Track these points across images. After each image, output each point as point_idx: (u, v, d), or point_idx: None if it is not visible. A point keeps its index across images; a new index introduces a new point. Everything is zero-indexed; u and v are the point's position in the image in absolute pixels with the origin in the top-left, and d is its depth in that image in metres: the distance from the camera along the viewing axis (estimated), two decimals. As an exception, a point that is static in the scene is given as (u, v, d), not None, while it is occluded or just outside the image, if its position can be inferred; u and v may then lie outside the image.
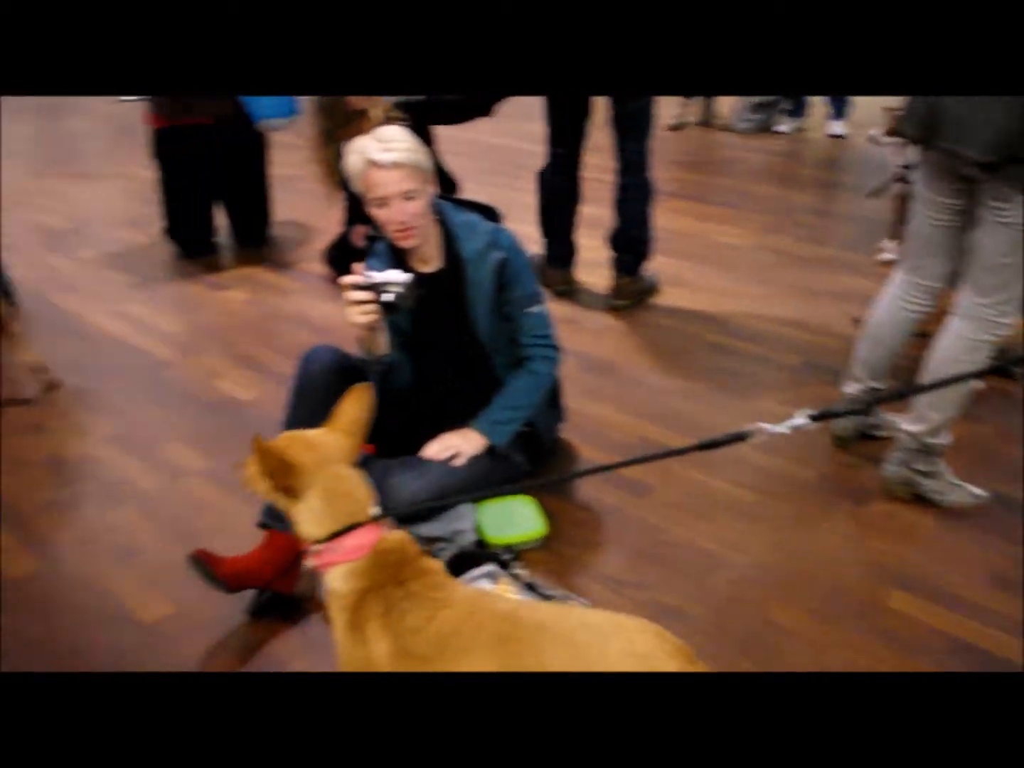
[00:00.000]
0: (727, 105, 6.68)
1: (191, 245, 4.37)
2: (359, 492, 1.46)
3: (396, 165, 2.11)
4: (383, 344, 2.19)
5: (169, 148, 4.16)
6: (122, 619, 2.08)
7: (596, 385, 3.01)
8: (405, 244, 2.22)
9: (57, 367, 3.24)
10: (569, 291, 3.73)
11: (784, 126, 6.45)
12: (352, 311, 2.06)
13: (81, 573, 2.25)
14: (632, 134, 3.35)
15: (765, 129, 6.46)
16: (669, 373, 3.07)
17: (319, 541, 1.45)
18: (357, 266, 2.08)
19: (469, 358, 2.39)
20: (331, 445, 1.49)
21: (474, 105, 3.49)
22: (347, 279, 2.06)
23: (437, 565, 1.46)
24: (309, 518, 1.45)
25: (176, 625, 2.05)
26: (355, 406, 1.55)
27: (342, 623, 1.42)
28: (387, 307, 2.05)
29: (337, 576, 1.42)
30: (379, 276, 2.04)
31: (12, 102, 8.11)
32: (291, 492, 1.45)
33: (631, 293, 3.59)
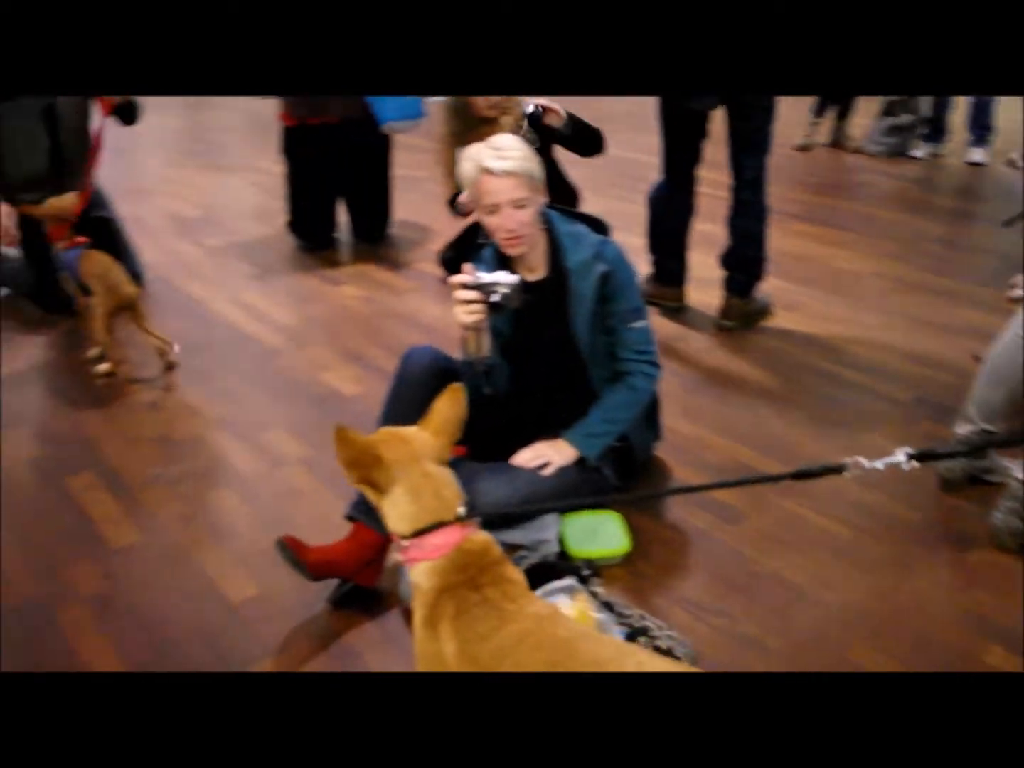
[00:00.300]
0: (861, 127, 6.49)
1: (312, 240, 4.51)
2: (447, 491, 1.47)
3: (509, 173, 2.13)
4: (485, 346, 2.21)
5: (298, 145, 4.30)
6: (210, 596, 2.16)
7: (696, 405, 2.97)
8: (512, 252, 2.24)
9: (178, 348, 3.39)
10: (679, 309, 3.69)
11: (920, 151, 6.22)
12: (459, 309, 2.10)
13: (177, 548, 2.34)
14: (749, 151, 3.28)
15: (900, 153, 6.23)
16: (773, 398, 3.00)
17: (405, 537, 1.47)
18: (467, 266, 2.12)
19: (567, 368, 2.38)
20: (422, 443, 1.51)
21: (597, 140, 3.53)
22: (456, 278, 2.09)
23: (518, 576, 1.46)
24: (395, 513, 1.47)
25: (259, 607, 2.12)
26: (449, 406, 1.56)
27: (420, 618, 1.44)
28: (493, 307, 2.08)
29: (419, 572, 1.44)
30: (487, 276, 2.08)
31: (163, 97, 8.50)
32: (375, 485, 1.47)
33: (742, 315, 3.52)
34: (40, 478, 2.67)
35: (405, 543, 1.47)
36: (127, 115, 3.71)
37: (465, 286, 2.07)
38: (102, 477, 2.65)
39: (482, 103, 3.49)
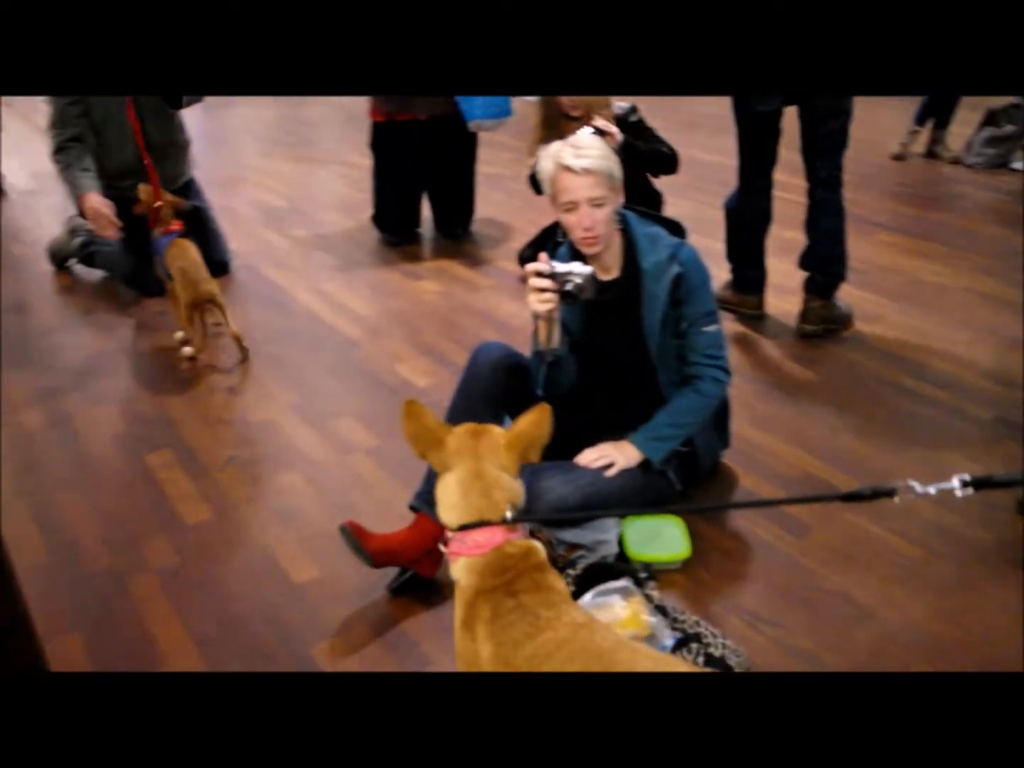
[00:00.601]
0: (960, 137, 6.29)
1: (395, 233, 4.57)
2: (497, 494, 1.49)
3: (588, 171, 2.15)
4: (556, 337, 2.22)
5: (385, 141, 4.37)
6: (274, 575, 2.22)
7: (768, 413, 2.93)
8: (588, 250, 2.24)
9: (259, 335, 3.49)
10: (758, 317, 3.64)
11: (1022, 163, 6.00)
12: (532, 297, 2.12)
13: (246, 527, 2.41)
14: (824, 152, 3.23)
15: (1000, 165, 6.02)
16: (848, 410, 2.94)
17: (451, 528, 1.49)
18: (542, 255, 2.14)
19: (635, 370, 2.38)
20: (492, 446, 1.52)
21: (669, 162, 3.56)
22: (531, 266, 2.11)
23: (559, 583, 1.45)
24: (445, 501, 1.51)
25: (321, 589, 2.17)
26: (532, 425, 1.52)
27: (459, 618, 1.46)
28: (565, 297, 2.10)
29: (459, 568, 1.46)
30: (562, 266, 2.10)
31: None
32: (434, 465, 1.51)
33: (822, 318, 3.45)
34: (122, 454, 2.77)
35: (450, 534, 1.49)
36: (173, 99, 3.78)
37: (540, 274, 2.09)
38: (180, 456, 2.74)
39: (566, 101, 3.52)
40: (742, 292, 3.63)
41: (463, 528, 1.47)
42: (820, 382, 3.14)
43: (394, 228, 4.58)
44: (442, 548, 1.54)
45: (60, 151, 3.70)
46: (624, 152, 3.22)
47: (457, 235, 4.61)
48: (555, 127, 3.52)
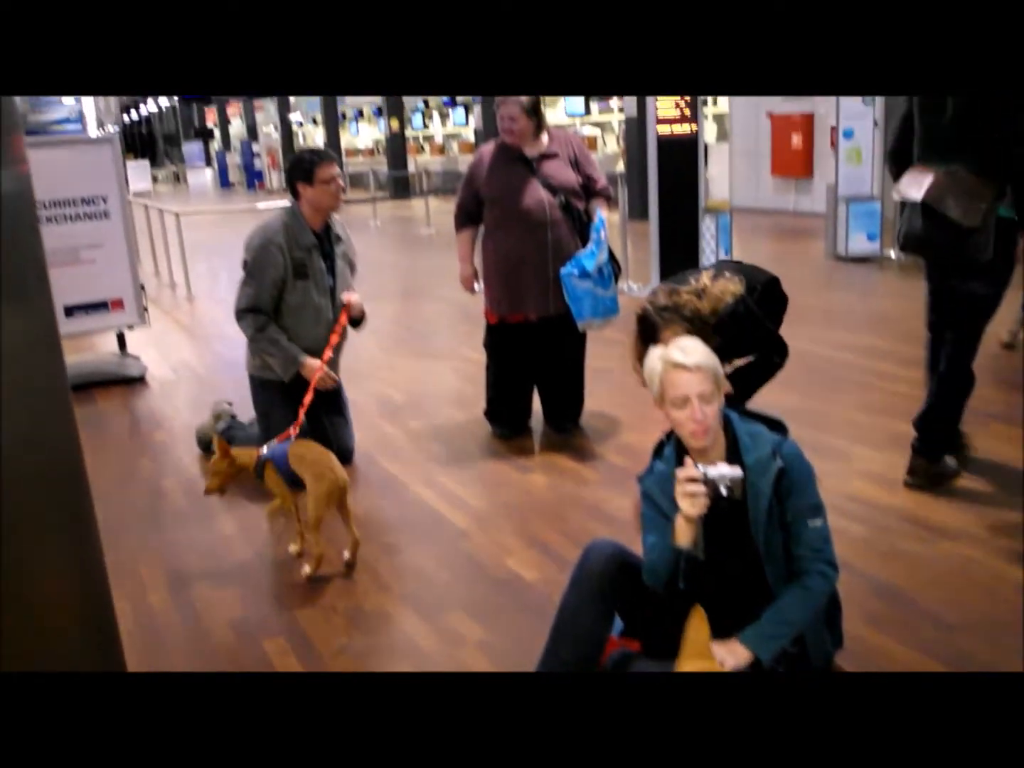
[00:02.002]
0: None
1: (507, 427, 4.72)
2: None
3: (698, 367, 2.26)
4: (699, 537, 2.27)
5: (499, 341, 4.60)
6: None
7: (881, 612, 2.85)
8: (696, 444, 2.31)
9: (373, 523, 3.61)
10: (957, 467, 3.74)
11: None
12: (685, 502, 2.19)
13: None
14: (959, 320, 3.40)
15: (1121, 358, 5.89)
16: (967, 609, 2.83)
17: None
18: (688, 460, 2.24)
19: (743, 565, 2.38)
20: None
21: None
22: (682, 472, 2.20)
23: None
24: None
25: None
26: (697, 630, 1.55)
27: None
28: (720, 499, 2.18)
29: None
30: (712, 470, 2.19)
31: (384, 287, 9.33)
32: None
33: (927, 475, 3.52)
34: (239, 638, 2.87)
35: None
36: (356, 323, 4.30)
37: (692, 479, 2.18)
38: (295, 642, 2.82)
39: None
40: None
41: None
42: (934, 579, 3.05)
43: (505, 423, 4.74)
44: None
45: (263, 330, 4.05)
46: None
47: (567, 429, 4.73)
48: (652, 338, 3.62)
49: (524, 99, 4.14)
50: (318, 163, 4.02)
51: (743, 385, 3.72)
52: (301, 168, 4.04)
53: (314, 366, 3.99)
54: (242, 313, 4.08)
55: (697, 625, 1.55)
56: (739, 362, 3.40)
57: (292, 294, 4.07)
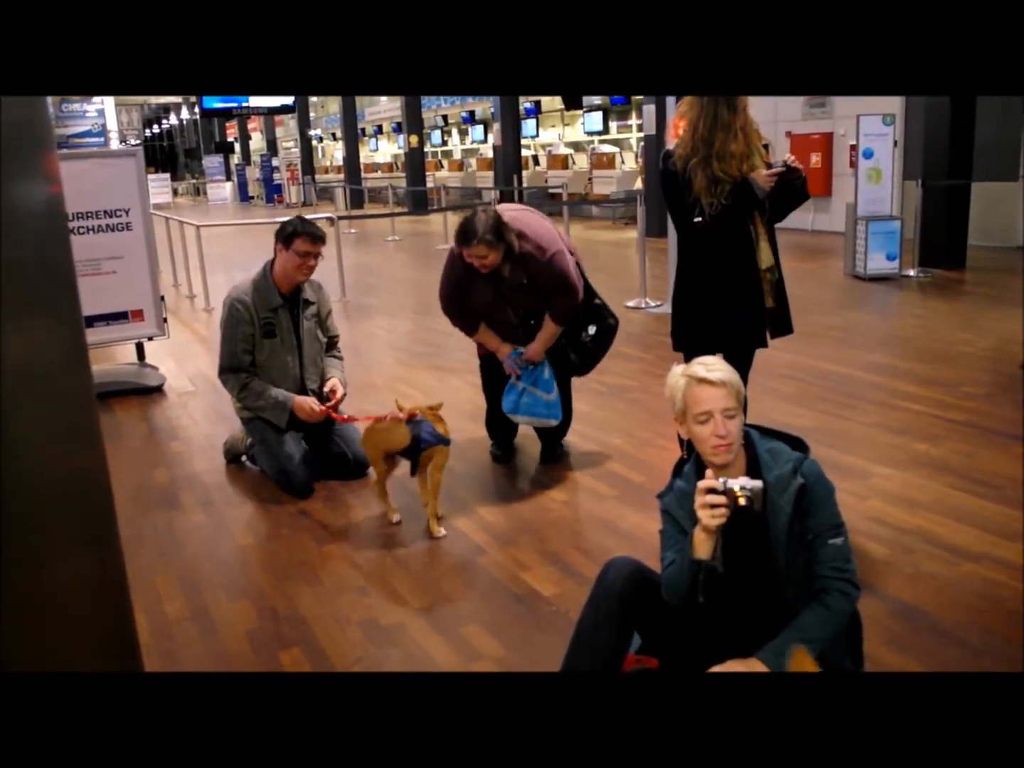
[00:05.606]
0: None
1: (500, 447, 4.68)
2: None
3: (722, 383, 2.26)
4: (718, 550, 2.26)
5: (488, 372, 4.59)
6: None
7: (903, 633, 2.82)
8: (718, 460, 2.30)
9: (391, 537, 3.60)
10: None
11: None
12: (705, 514, 2.18)
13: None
14: None
15: None
16: (991, 633, 2.80)
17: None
18: (709, 472, 2.23)
19: (762, 583, 2.36)
20: None
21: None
22: (703, 483, 2.20)
23: None
24: None
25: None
26: None
27: None
28: (741, 511, 2.16)
29: None
30: (733, 482, 2.18)
31: (401, 302, 9.35)
32: None
33: None
34: (255, 649, 2.87)
35: None
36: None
37: (712, 491, 2.17)
38: (310, 655, 2.81)
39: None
40: None
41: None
42: (955, 601, 3.01)
43: (500, 442, 4.69)
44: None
45: (245, 387, 4.23)
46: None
47: (550, 460, 4.57)
48: None
49: (487, 236, 3.86)
50: (300, 235, 4.11)
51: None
52: (286, 231, 4.16)
53: (304, 405, 4.19)
54: (224, 373, 4.27)
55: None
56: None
57: (260, 352, 4.24)
